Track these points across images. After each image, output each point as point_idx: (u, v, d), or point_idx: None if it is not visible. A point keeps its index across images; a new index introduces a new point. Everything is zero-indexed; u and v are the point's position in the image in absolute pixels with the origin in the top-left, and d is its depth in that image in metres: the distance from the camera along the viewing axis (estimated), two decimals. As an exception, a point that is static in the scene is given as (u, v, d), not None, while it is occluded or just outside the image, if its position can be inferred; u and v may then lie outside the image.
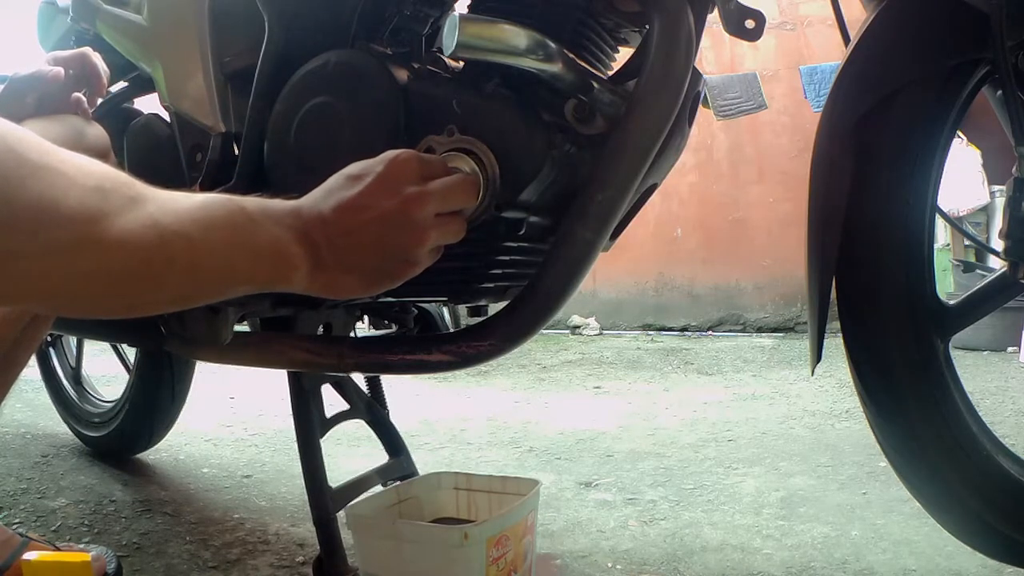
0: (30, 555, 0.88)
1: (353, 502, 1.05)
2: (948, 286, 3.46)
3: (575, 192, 0.81)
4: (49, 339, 1.87)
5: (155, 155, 1.10)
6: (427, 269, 0.89)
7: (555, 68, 0.78)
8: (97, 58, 1.01)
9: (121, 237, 0.48)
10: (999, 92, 0.85)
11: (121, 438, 1.67)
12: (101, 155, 0.93)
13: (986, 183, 3.73)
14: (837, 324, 0.88)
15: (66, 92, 0.96)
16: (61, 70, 0.95)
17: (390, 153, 0.64)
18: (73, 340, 1.89)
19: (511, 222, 0.86)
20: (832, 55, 4.09)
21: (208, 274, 0.55)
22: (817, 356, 0.86)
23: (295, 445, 1.08)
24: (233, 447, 1.93)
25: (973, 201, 3.74)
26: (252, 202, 0.58)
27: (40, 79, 0.94)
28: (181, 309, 0.86)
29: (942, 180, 0.85)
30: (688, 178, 4.57)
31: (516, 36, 0.76)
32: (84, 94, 0.98)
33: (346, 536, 1.04)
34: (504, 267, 0.91)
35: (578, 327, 4.62)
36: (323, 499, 1.05)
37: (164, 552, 1.21)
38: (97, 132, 0.97)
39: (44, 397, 1.93)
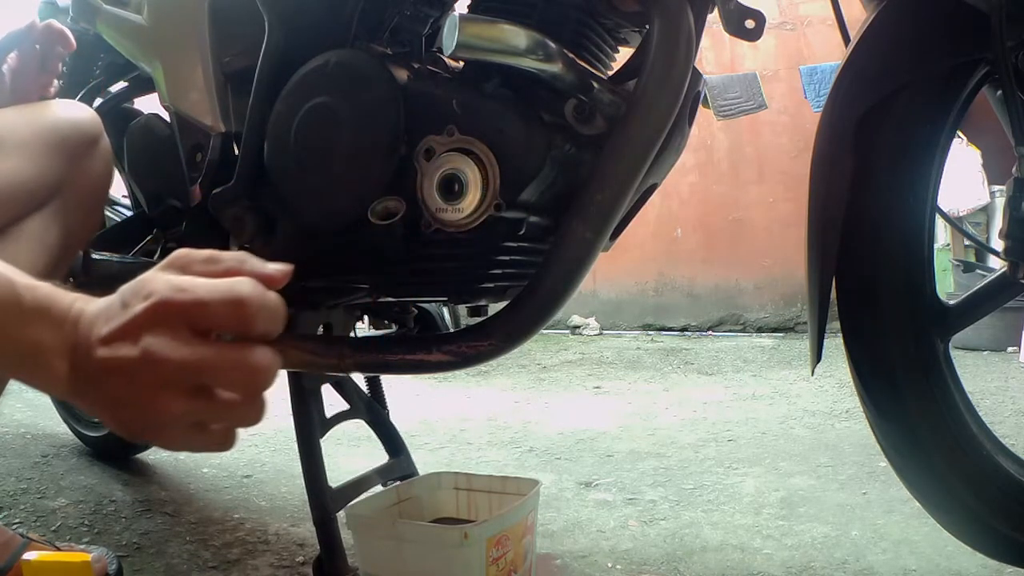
0: (30, 555, 0.88)
1: (353, 502, 1.06)
2: (948, 286, 3.46)
3: (575, 192, 0.81)
4: (49, 339, 1.86)
5: (155, 155, 1.10)
6: (427, 269, 0.90)
7: (555, 68, 0.78)
8: (54, 23, 0.99)
9: None
10: (999, 92, 0.85)
11: (121, 438, 1.67)
12: (92, 139, 0.92)
13: (986, 183, 3.73)
14: (837, 324, 0.88)
15: (35, 65, 0.95)
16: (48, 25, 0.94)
17: (161, 284, 0.47)
18: (73, 340, 1.89)
19: (511, 222, 0.86)
20: (832, 55, 4.08)
21: None
22: (817, 356, 0.86)
23: (295, 445, 1.08)
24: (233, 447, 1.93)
25: (973, 201, 3.73)
26: (37, 294, 0.50)
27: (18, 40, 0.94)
28: None
29: (942, 180, 0.85)
30: (688, 178, 4.56)
31: (516, 36, 0.76)
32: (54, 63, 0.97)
33: (346, 536, 1.04)
34: (504, 267, 0.91)
35: (578, 327, 4.62)
36: (323, 499, 1.05)
37: (164, 552, 1.21)
38: (87, 116, 0.94)
39: (44, 397, 1.92)
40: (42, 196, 0.86)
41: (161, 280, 0.48)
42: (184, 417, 0.48)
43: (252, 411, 0.49)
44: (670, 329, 4.66)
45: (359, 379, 1.23)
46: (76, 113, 0.93)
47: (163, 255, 0.88)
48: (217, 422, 0.49)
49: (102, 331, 0.48)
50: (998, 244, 0.82)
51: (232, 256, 0.50)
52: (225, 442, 0.50)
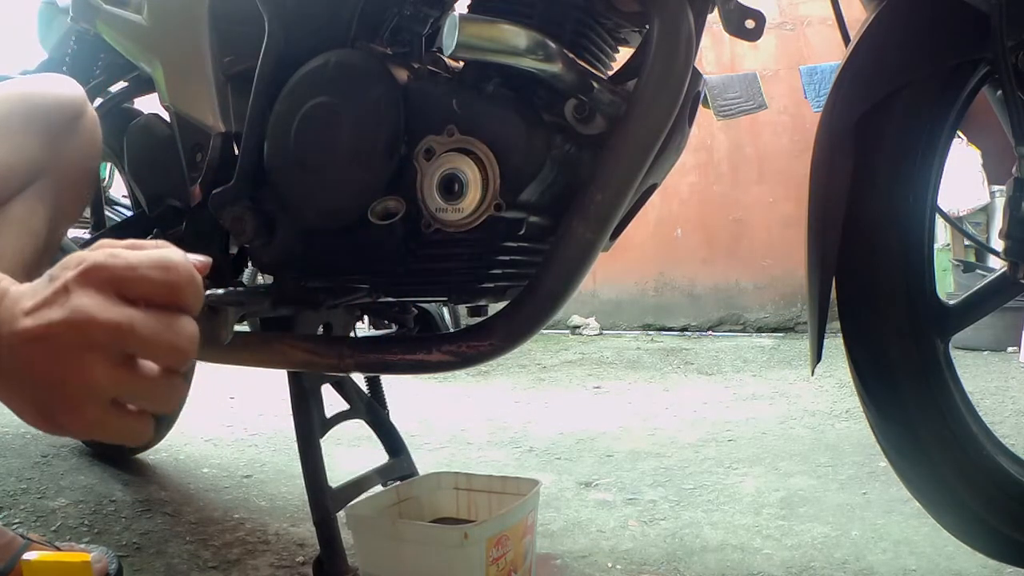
0: (30, 555, 0.88)
1: (353, 502, 1.06)
2: (948, 286, 3.46)
3: (575, 192, 0.81)
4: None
5: (155, 155, 1.10)
6: (426, 269, 0.90)
7: (555, 68, 0.78)
8: None
9: None
10: (999, 92, 0.85)
11: (121, 438, 1.67)
12: (75, 113, 0.89)
13: (986, 183, 3.73)
14: (837, 324, 0.88)
15: None
16: None
17: (92, 252, 0.48)
18: (73, 340, 1.89)
19: (511, 222, 0.86)
20: (832, 55, 4.08)
21: None
22: (817, 356, 0.86)
23: (295, 445, 1.08)
24: (233, 447, 1.93)
25: (973, 201, 3.74)
26: None
27: None
28: None
29: (942, 180, 0.85)
30: (688, 178, 4.56)
31: (516, 36, 0.76)
32: None
33: (346, 536, 1.04)
34: (504, 267, 0.91)
35: (578, 327, 4.62)
36: (323, 499, 1.05)
37: (164, 552, 1.21)
38: (68, 90, 0.90)
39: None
40: (24, 178, 0.83)
41: (91, 252, 0.48)
42: (106, 388, 0.46)
43: (172, 390, 0.48)
44: (670, 329, 4.66)
45: (359, 379, 1.23)
46: (56, 87, 0.89)
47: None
48: (137, 399, 0.48)
49: (27, 304, 0.47)
50: (998, 244, 0.82)
51: (152, 244, 0.50)
52: (142, 430, 0.48)
